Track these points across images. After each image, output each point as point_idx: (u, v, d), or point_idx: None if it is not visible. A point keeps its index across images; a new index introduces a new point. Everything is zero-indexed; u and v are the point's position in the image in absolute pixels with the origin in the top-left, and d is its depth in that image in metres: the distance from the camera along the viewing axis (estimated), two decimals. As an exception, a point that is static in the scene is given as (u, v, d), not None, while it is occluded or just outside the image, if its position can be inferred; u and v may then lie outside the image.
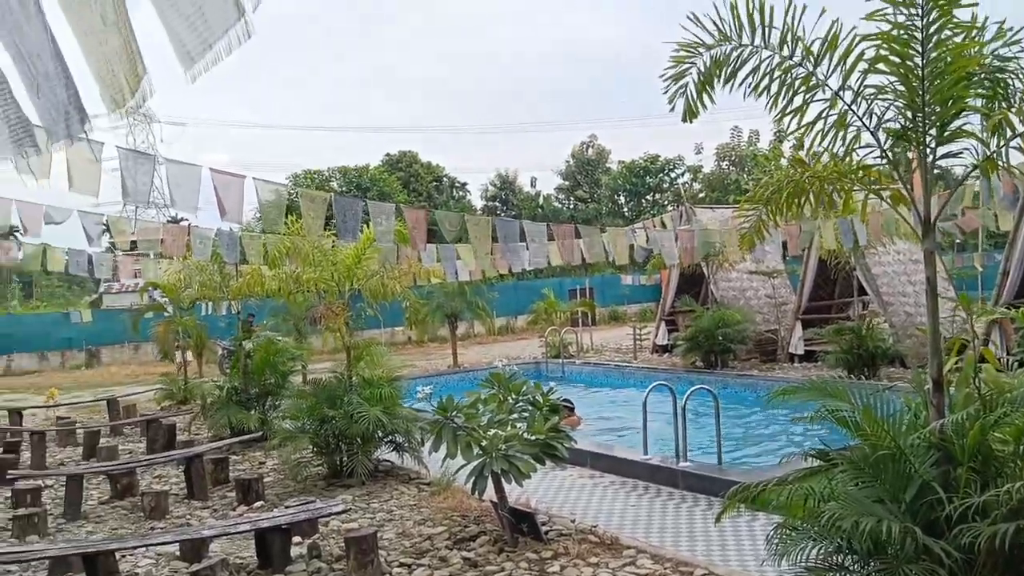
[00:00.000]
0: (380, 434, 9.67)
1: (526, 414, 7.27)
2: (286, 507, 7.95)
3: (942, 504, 4.23)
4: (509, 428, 6.97)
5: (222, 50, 2.38)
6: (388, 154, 59.32)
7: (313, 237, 8.49)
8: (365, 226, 9.45)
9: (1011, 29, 4.57)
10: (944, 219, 14.79)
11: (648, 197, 62.10)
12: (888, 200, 4.91)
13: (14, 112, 2.54)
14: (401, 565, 6.78)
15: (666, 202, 61.22)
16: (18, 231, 11.83)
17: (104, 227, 10.44)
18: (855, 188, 5.10)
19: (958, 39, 4.33)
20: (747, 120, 60.92)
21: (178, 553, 7.26)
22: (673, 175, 62.61)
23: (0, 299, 48.99)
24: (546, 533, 7.22)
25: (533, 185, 66.27)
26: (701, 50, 4.58)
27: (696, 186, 58.92)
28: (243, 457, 11.39)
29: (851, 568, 4.42)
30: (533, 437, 6.96)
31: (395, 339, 30.06)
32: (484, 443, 6.70)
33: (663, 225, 20.12)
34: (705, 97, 4.62)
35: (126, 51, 2.39)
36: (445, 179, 62.81)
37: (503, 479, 7.01)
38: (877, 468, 4.50)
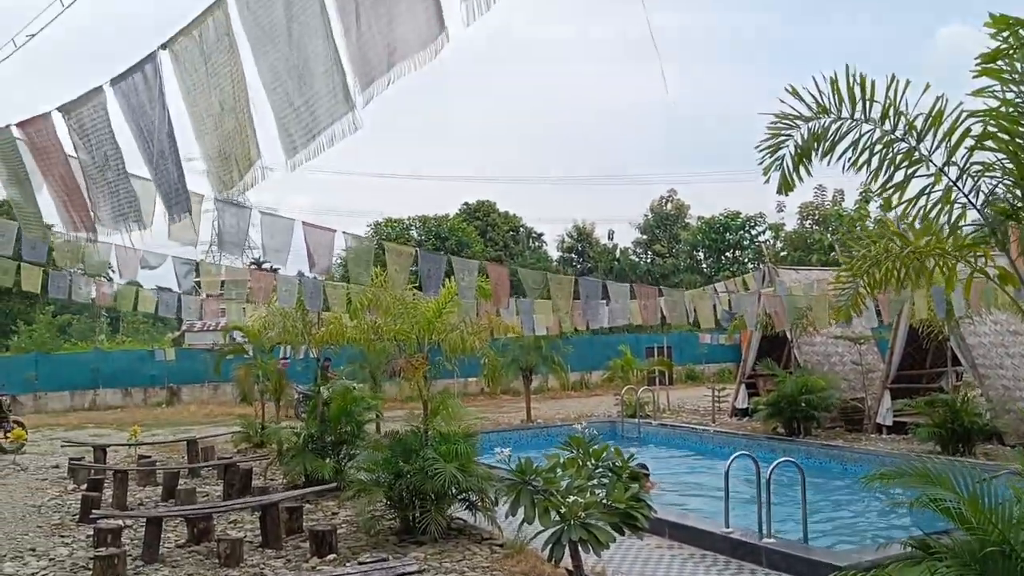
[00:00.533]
0: (454, 491, 9.62)
1: (605, 480, 7.13)
2: (359, 563, 7.92)
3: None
4: (588, 495, 6.83)
5: (325, 141, 2.43)
6: (466, 203, 60.05)
7: (397, 289, 8.60)
8: (447, 279, 9.53)
9: None
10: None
11: (728, 254, 61.24)
12: (995, 279, 4.70)
13: (124, 187, 2.63)
14: (476, 631, 6.67)
15: (746, 259, 60.26)
16: (112, 269, 12.29)
17: (193, 268, 10.81)
18: (957, 263, 4.90)
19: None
20: (831, 179, 59.70)
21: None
22: (754, 232, 61.66)
23: (88, 334, 51.02)
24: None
25: (610, 238, 66.05)
26: (799, 122, 4.50)
27: (778, 244, 57.90)
28: (316, 507, 11.45)
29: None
30: (612, 505, 6.79)
31: (468, 390, 30.08)
32: (563, 509, 6.56)
33: (745, 285, 19.77)
34: (802, 170, 4.52)
35: (240, 135, 2.46)
36: (522, 229, 63.21)
37: (580, 547, 6.86)
38: (984, 564, 4.23)
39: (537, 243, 64.62)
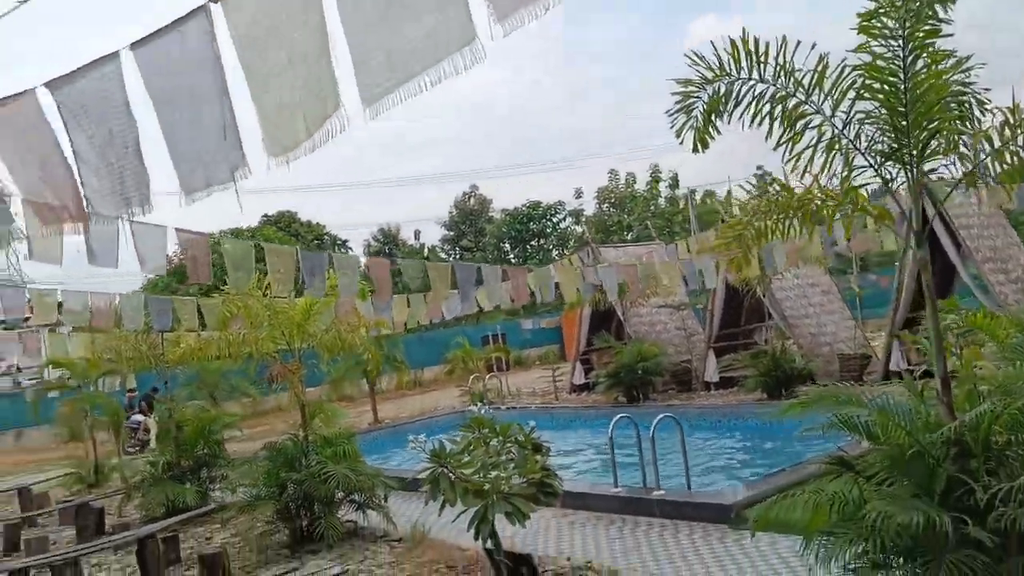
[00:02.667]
0: (341, 495, 9.44)
1: (513, 456, 7.26)
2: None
3: (968, 495, 4.53)
4: (503, 470, 6.94)
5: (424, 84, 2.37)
6: (266, 215, 58.15)
7: (283, 292, 8.28)
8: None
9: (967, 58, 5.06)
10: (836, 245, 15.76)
11: (532, 243, 63.17)
12: (874, 215, 5.29)
13: (132, 165, 2.45)
14: (404, 623, 6.61)
15: (551, 246, 62.44)
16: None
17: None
18: (839, 209, 5.45)
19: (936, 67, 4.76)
20: (623, 164, 63.04)
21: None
22: (555, 219, 63.97)
23: None
24: (543, 574, 7.19)
25: (417, 237, 66.32)
26: (705, 86, 4.85)
27: (579, 229, 60.42)
28: (186, 535, 10.79)
29: (895, 565, 4.64)
30: (528, 478, 6.95)
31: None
32: (487, 487, 6.64)
33: (571, 264, 20.55)
34: (711, 128, 4.87)
35: (312, 88, 2.34)
36: (327, 237, 62.04)
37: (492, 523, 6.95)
38: (902, 467, 4.77)
39: (344, 249, 63.63)
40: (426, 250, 65.39)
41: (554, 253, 61.02)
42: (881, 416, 4.90)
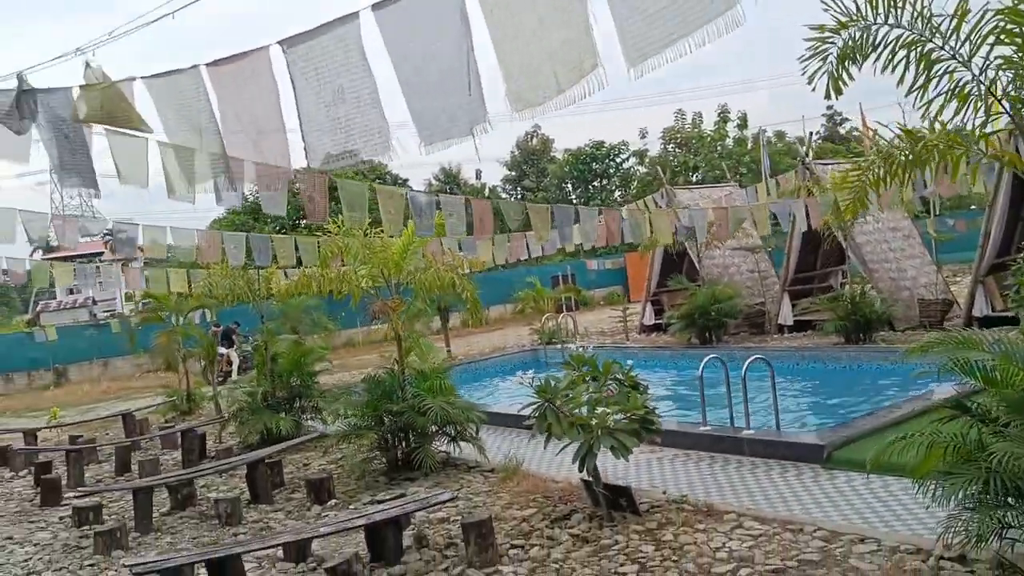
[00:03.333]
0: (435, 427, 9.80)
1: (613, 393, 7.49)
2: (375, 501, 8.04)
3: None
4: (608, 406, 7.18)
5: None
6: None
7: (394, 232, 8.57)
8: (410, 221, 9.52)
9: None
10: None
11: (595, 183, 62.68)
12: (1004, 161, 5.27)
13: (362, 119, 2.64)
14: (514, 547, 6.95)
15: (613, 187, 61.92)
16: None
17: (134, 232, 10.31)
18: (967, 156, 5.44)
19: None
20: (689, 103, 61.79)
21: (281, 555, 7.29)
22: (619, 160, 63.30)
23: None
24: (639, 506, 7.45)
25: (478, 177, 66.16)
26: (840, 31, 4.86)
27: (642, 170, 59.75)
28: (284, 461, 11.36)
29: (1013, 504, 4.77)
30: (631, 414, 7.18)
31: (372, 337, 29.89)
32: (594, 421, 6.90)
33: (647, 207, 20.51)
34: (845, 74, 4.89)
35: (568, 46, 2.49)
36: (388, 176, 62.41)
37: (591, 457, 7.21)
38: (1022, 410, 4.85)
39: (404, 189, 63.97)
40: (487, 190, 65.41)
41: (616, 194, 60.58)
42: (1003, 361, 4.97)
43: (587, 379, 7.57)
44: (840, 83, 4.90)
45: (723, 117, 54.31)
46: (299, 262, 11.78)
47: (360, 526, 6.86)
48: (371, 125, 2.65)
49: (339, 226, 9.31)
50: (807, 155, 19.96)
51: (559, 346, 19.92)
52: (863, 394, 12.22)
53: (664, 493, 7.85)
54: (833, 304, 16.44)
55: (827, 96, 4.89)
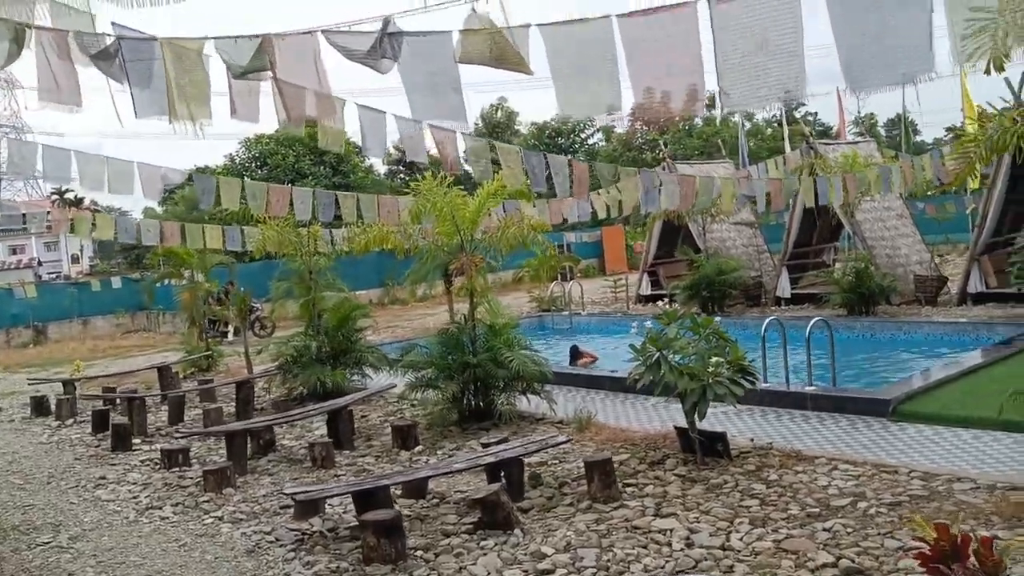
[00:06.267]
0: (502, 384, 10.17)
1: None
2: (482, 444, 8.42)
3: None
4: (715, 356, 7.68)
5: None
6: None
7: (513, 185, 8.92)
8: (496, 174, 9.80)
9: None
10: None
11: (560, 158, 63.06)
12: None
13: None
14: (626, 485, 7.42)
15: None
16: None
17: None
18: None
19: None
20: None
21: (400, 492, 7.63)
22: (583, 135, 63.83)
23: None
24: (729, 452, 7.99)
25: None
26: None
27: (609, 145, 60.34)
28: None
29: None
30: (734, 364, 7.69)
31: (370, 301, 29.86)
32: (711, 370, 7.39)
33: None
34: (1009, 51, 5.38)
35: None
36: (350, 143, 61.76)
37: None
38: None
39: (362, 159, 63.40)
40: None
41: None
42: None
43: (686, 333, 8.06)
44: (1002, 59, 5.38)
45: (691, 96, 55.02)
46: (360, 219, 12.00)
47: (489, 464, 7.25)
48: (789, 72, 3.03)
49: (418, 182, 9.63)
50: (809, 136, 20.71)
51: (566, 313, 20.42)
52: (891, 360, 12.99)
53: (752, 440, 8.39)
54: (837, 278, 17.24)
55: (986, 72, 5.36)
